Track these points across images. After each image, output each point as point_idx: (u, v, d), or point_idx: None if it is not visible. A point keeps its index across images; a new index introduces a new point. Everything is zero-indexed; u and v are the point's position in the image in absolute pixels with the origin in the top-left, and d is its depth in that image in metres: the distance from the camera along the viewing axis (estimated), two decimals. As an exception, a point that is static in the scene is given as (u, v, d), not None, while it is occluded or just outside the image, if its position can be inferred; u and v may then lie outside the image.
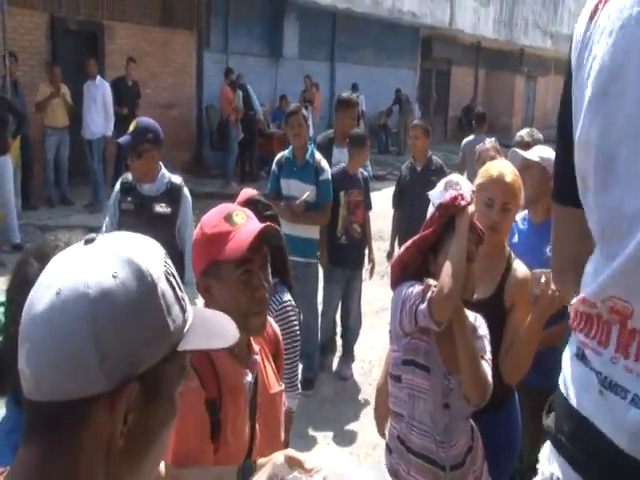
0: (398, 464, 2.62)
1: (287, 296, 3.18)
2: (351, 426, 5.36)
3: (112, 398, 0.91)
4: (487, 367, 2.55)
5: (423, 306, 2.49)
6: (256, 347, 2.02)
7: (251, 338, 2.00)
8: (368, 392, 5.75)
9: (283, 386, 2.18)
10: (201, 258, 1.92)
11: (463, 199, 2.55)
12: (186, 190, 4.57)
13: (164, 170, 4.54)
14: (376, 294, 7.27)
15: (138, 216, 4.35)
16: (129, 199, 4.46)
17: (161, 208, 4.44)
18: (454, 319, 2.52)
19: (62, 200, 11.34)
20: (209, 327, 1.04)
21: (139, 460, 0.97)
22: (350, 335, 6.21)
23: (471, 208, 2.57)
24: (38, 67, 11.54)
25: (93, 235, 0.99)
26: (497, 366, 2.73)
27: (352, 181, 5.89)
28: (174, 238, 4.42)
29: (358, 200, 5.90)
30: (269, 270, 1.97)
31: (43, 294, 0.92)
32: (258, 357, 2.01)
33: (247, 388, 1.96)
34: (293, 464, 1.47)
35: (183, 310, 1.00)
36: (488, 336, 2.65)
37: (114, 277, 0.92)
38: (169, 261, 1.02)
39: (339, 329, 6.36)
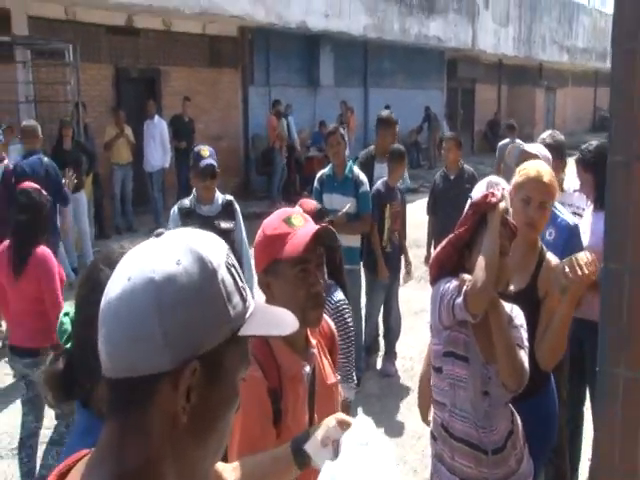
0: (442, 450, 2.56)
1: (340, 295, 3.18)
2: (395, 419, 5.29)
3: (175, 376, 0.91)
4: (524, 355, 2.47)
5: (459, 300, 2.43)
6: (313, 341, 2.03)
7: (309, 333, 2.01)
8: (410, 387, 5.69)
9: (339, 378, 2.16)
10: (262, 257, 1.95)
11: (494, 196, 2.49)
12: (237, 205, 4.69)
13: (218, 192, 4.71)
14: (414, 296, 7.21)
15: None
16: (190, 221, 4.53)
17: (225, 224, 4.60)
18: (490, 310, 2.45)
19: (128, 228, 11.58)
20: (269, 318, 1.03)
21: (204, 438, 0.96)
22: (392, 335, 6.19)
23: (502, 205, 2.49)
24: (105, 113, 11.97)
25: (162, 230, 1.01)
26: (533, 353, 2.65)
27: (393, 194, 5.90)
28: (235, 252, 4.48)
29: (398, 211, 5.92)
30: (325, 270, 1.95)
31: (117, 282, 0.94)
32: (315, 350, 2.02)
33: (305, 379, 1.98)
34: (344, 425, 1.45)
35: (243, 299, 0.98)
36: (525, 325, 2.56)
37: (177, 264, 0.92)
38: (231, 255, 1.01)
39: (381, 330, 6.31)
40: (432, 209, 6.63)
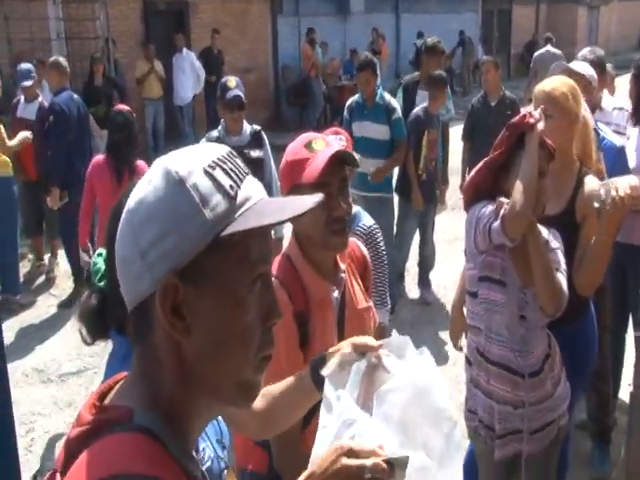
0: (478, 375, 2.55)
1: (370, 220, 3.13)
2: (429, 346, 5.26)
3: (159, 297, 0.88)
4: (562, 279, 2.43)
5: (496, 224, 2.38)
6: (342, 266, 2.01)
7: (338, 258, 1.99)
8: (443, 314, 5.70)
9: (371, 303, 2.13)
10: (284, 184, 1.94)
11: (532, 117, 2.40)
12: (265, 135, 4.75)
13: (246, 123, 4.72)
14: (448, 225, 7.13)
15: None
16: None
17: (255, 153, 4.61)
18: (527, 234, 2.40)
19: (161, 162, 11.60)
20: (269, 208, 0.94)
21: (214, 355, 0.91)
22: (426, 263, 6.16)
23: (540, 125, 2.40)
24: (135, 48, 11.83)
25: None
26: (572, 278, 2.60)
27: (432, 121, 5.77)
28: (264, 181, 4.53)
29: (435, 139, 5.80)
30: (349, 194, 1.94)
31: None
32: (344, 275, 1.99)
33: (334, 303, 1.97)
34: (359, 349, 1.40)
35: (230, 197, 0.90)
36: (562, 248, 2.50)
37: (149, 183, 0.92)
38: (228, 156, 0.94)
39: (416, 259, 6.28)
40: (468, 135, 6.42)
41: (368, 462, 0.99)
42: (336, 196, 1.85)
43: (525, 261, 2.43)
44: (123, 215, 0.93)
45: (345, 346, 1.45)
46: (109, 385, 0.99)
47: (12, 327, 6.02)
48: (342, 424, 1.11)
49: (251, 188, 0.95)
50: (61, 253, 6.82)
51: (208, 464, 1.47)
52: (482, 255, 2.50)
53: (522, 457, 2.50)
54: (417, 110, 5.73)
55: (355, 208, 2.96)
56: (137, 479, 0.82)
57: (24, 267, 7.31)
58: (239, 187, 0.92)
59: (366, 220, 3.10)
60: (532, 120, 2.39)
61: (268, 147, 4.76)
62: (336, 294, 1.96)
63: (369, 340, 1.42)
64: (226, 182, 0.91)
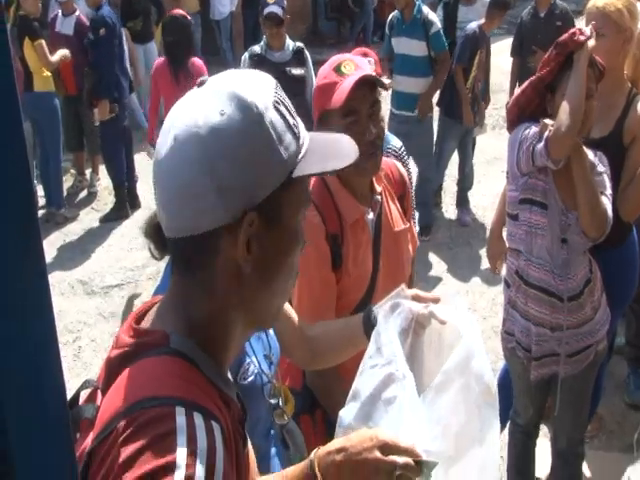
0: (517, 297, 2.53)
1: (399, 143, 3.06)
2: (466, 267, 5.29)
3: (233, 229, 0.89)
4: (606, 202, 2.36)
5: (540, 145, 2.30)
6: (378, 188, 1.97)
7: (374, 180, 1.96)
8: (482, 236, 5.64)
9: (409, 225, 2.10)
10: (315, 108, 1.90)
11: (582, 34, 2.27)
12: (307, 53, 4.61)
13: (288, 39, 4.62)
14: (488, 144, 6.96)
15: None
16: (262, 68, 4.50)
17: (297, 71, 4.56)
18: (572, 156, 2.32)
19: (199, 78, 11.44)
20: (325, 151, 0.98)
21: (269, 283, 0.96)
22: (465, 183, 6.03)
23: (590, 43, 2.28)
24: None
25: (205, 77, 0.94)
26: (616, 203, 2.53)
27: (484, 40, 5.56)
28: (306, 99, 4.47)
29: (482, 59, 5.58)
30: (382, 118, 1.90)
31: (165, 140, 0.91)
32: (380, 197, 1.97)
33: (369, 225, 1.95)
34: (415, 298, 1.38)
35: (296, 137, 0.93)
36: (609, 172, 2.42)
37: (221, 114, 0.88)
38: (280, 91, 0.95)
39: (455, 179, 6.17)
40: (517, 51, 6.05)
41: (400, 460, 1.01)
42: (365, 121, 1.82)
43: (569, 184, 2.37)
44: (186, 139, 0.88)
45: (403, 287, 1.43)
46: (145, 308, 1.01)
47: (56, 240, 6.16)
48: (388, 376, 1.14)
49: (302, 125, 0.97)
50: (103, 168, 6.87)
51: (251, 379, 1.50)
52: (524, 177, 2.43)
53: (558, 379, 2.50)
54: (473, 26, 5.47)
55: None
56: (172, 401, 0.83)
57: (66, 182, 7.39)
58: (298, 126, 0.94)
59: (395, 142, 3.02)
60: (582, 38, 2.26)
61: (310, 65, 4.65)
62: (371, 216, 1.94)
63: (427, 294, 1.42)
64: (291, 120, 0.93)
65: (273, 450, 1.60)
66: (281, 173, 0.90)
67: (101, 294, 5.26)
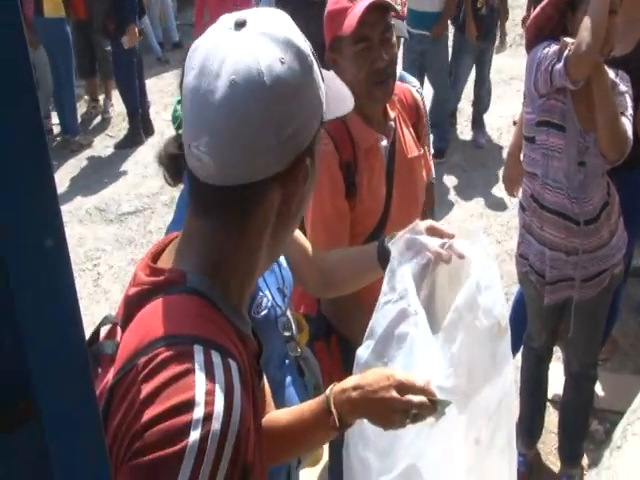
0: (531, 220, 2.48)
1: (417, 82, 2.88)
2: (481, 190, 5.22)
3: (285, 176, 0.90)
4: (627, 123, 2.27)
5: (560, 65, 2.21)
6: (392, 114, 1.93)
7: (387, 106, 1.92)
8: (497, 158, 5.54)
9: (423, 151, 2.05)
10: (327, 33, 1.87)
11: None
12: None
13: None
14: (506, 63, 6.75)
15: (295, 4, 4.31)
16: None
17: None
18: (593, 76, 2.22)
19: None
20: (334, 91, 0.99)
21: (294, 221, 0.99)
22: (482, 105, 5.89)
23: None
24: None
25: (243, 17, 0.89)
26: (636, 124, 2.44)
27: None
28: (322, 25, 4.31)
29: None
30: (394, 43, 1.83)
31: (215, 83, 0.86)
32: (393, 123, 1.93)
33: (383, 152, 1.92)
34: (430, 232, 1.36)
35: (322, 80, 0.94)
36: (630, 92, 2.33)
37: (282, 62, 0.86)
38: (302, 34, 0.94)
39: (470, 99, 6.02)
40: None
41: (416, 399, 1.04)
42: (377, 47, 1.77)
43: (588, 105, 2.28)
44: (250, 88, 0.84)
45: (419, 223, 1.40)
46: (162, 245, 1.01)
47: (72, 167, 6.15)
48: (401, 312, 1.13)
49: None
50: (116, 94, 6.78)
51: (264, 312, 1.49)
52: (542, 99, 2.35)
53: (572, 303, 2.48)
54: None
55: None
56: (191, 339, 0.84)
57: (80, 108, 7.32)
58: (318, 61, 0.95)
59: (412, 79, 2.84)
60: None
61: None
62: (385, 143, 1.91)
63: (443, 227, 1.39)
64: (318, 63, 0.94)
65: (288, 379, 1.61)
66: (320, 115, 0.93)
67: (117, 221, 5.28)
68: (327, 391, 1.11)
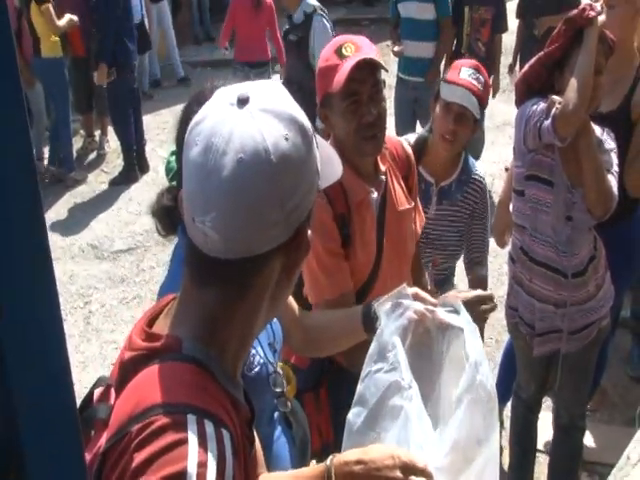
0: (521, 273, 2.52)
1: (482, 168, 2.78)
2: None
3: (288, 245, 0.93)
4: (613, 180, 2.33)
5: (547, 122, 2.27)
6: (383, 167, 1.97)
7: (378, 159, 1.96)
8: (490, 204, 5.57)
9: (413, 204, 2.09)
10: (318, 90, 1.90)
11: (592, 9, 2.21)
12: (318, 17, 4.51)
13: (306, 1, 4.67)
14: (497, 109, 6.85)
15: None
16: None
17: (293, 36, 4.58)
18: (580, 134, 2.28)
19: (207, 37, 11.26)
20: (325, 158, 1.02)
21: (289, 288, 1.01)
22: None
23: (601, 18, 2.22)
24: None
25: (245, 94, 0.91)
26: (622, 179, 2.50)
27: None
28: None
29: (485, 18, 5.36)
30: (383, 98, 1.88)
31: (221, 161, 0.87)
32: (384, 177, 1.97)
33: (374, 205, 1.95)
34: (417, 298, 1.39)
35: (316, 148, 0.97)
36: (616, 150, 2.39)
37: (286, 139, 0.89)
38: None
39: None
40: (522, 12, 5.83)
41: None
42: (366, 103, 1.82)
43: (575, 161, 2.34)
44: (256, 165, 0.87)
45: (406, 287, 1.43)
46: (157, 309, 1.03)
47: (66, 202, 6.18)
48: (394, 384, 1.15)
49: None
50: (112, 130, 6.84)
51: (257, 369, 1.51)
52: (531, 153, 2.41)
53: (560, 355, 2.51)
54: None
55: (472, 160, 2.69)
56: (185, 409, 0.86)
57: (76, 143, 7.38)
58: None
59: (478, 167, 2.74)
60: (592, 13, 2.21)
61: (318, 30, 4.55)
62: (375, 196, 1.94)
63: (428, 295, 1.43)
64: (314, 134, 0.97)
65: (277, 432, 1.62)
66: (317, 185, 0.97)
67: (110, 259, 5.30)
68: (327, 462, 1.12)
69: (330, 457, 1.12)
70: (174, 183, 1.51)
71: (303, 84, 4.50)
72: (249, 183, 0.86)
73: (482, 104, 2.41)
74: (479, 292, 1.58)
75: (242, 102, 0.90)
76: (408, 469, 1.06)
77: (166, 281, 1.60)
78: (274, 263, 0.93)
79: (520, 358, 2.69)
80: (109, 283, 4.98)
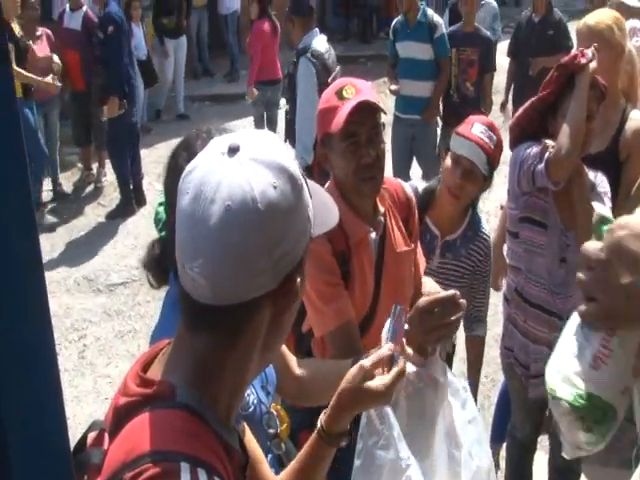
0: (516, 314, 2.54)
1: (488, 226, 2.71)
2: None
3: (276, 293, 0.92)
4: None
5: (541, 166, 2.31)
6: (382, 208, 1.99)
7: (377, 200, 1.98)
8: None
9: (413, 247, 2.10)
10: (318, 131, 1.94)
11: (583, 56, 2.27)
12: (306, 57, 4.57)
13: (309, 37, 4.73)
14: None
15: None
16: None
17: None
18: (573, 177, 2.32)
19: (205, 72, 11.40)
20: (321, 204, 1.03)
21: (285, 329, 1.02)
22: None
23: (592, 65, 2.28)
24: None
25: (235, 143, 0.92)
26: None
27: (466, 39, 5.47)
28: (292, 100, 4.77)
29: (472, 59, 5.49)
30: (381, 140, 1.92)
31: (210, 209, 0.88)
32: (383, 218, 1.99)
33: (372, 245, 1.97)
34: (407, 357, 1.37)
35: (309, 195, 0.97)
36: (609, 193, 2.43)
37: (274, 187, 0.89)
38: (292, 151, 1.00)
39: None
40: (513, 52, 6.08)
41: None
42: (365, 144, 1.85)
43: (568, 204, 2.37)
44: (243, 213, 0.87)
45: (389, 346, 1.42)
46: (152, 354, 1.03)
47: (63, 235, 6.19)
48: (392, 465, 1.16)
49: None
50: (109, 164, 6.89)
51: (250, 410, 1.52)
52: (525, 196, 2.44)
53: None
54: (451, 28, 5.50)
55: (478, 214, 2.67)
56: (178, 457, 0.86)
57: (73, 176, 7.43)
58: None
59: (485, 225, 2.68)
60: (583, 60, 2.27)
61: (300, 72, 4.54)
62: (373, 236, 1.96)
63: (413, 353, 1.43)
64: (307, 182, 0.97)
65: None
66: (310, 233, 0.96)
67: (106, 292, 5.29)
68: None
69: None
70: (163, 234, 1.52)
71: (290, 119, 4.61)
72: (236, 231, 0.87)
73: (492, 164, 2.39)
74: (439, 296, 1.50)
75: (232, 151, 0.91)
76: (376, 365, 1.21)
77: (157, 327, 1.60)
78: (263, 310, 0.94)
79: (515, 399, 2.69)
80: (104, 317, 4.97)
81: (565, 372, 1.06)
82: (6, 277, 0.68)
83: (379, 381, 1.23)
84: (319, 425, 1.26)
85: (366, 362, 1.25)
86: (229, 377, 0.96)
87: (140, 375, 0.97)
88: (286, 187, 0.90)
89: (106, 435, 0.98)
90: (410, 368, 1.31)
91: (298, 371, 1.66)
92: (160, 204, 1.60)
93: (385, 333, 1.30)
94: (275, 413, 1.62)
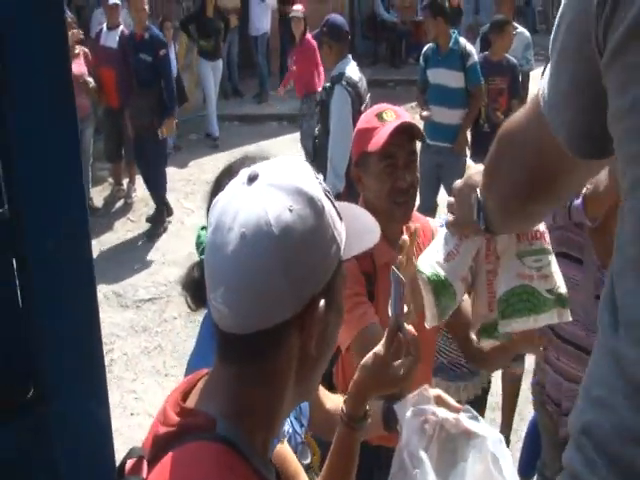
0: (548, 350, 2.49)
1: None
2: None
3: (302, 318, 0.91)
4: None
5: (578, 202, 2.28)
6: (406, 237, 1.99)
7: (404, 229, 1.98)
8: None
9: None
10: (355, 150, 1.99)
11: None
12: (340, 85, 4.57)
13: (342, 64, 4.77)
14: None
15: None
16: None
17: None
18: (610, 214, 2.29)
19: (234, 92, 11.52)
20: (356, 225, 1.01)
21: (324, 360, 1.00)
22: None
23: None
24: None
25: (255, 171, 0.93)
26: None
27: (494, 68, 5.49)
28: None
29: (501, 88, 5.52)
30: (417, 168, 1.95)
31: (227, 237, 0.89)
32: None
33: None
34: (439, 402, 1.33)
35: (340, 218, 0.96)
36: None
37: (290, 210, 0.88)
38: (319, 175, 0.98)
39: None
40: None
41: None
42: (402, 168, 1.88)
43: (605, 240, 2.33)
44: (259, 238, 0.87)
45: (427, 388, 1.41)
46: (192, 383, 1.03)
47: (92, 250, 6.24)
48: None
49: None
50: (139, 179, 6.96)
51: (286, 439, 1.51)
52: (559, 230, 2.41)
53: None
54: (478, 57, 5.49)
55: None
56: None
57: (104, 191, 7.52)
58: (336, 205, 0.97)
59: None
60: None
61: (335, 99, 4.56)
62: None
63: (450, 399, 1.38)
64: (334, 203, 0.96)
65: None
66: (337, 257, 0.94)
67: (134, 307, 5.33)
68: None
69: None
70: (203, 257, 1.55)
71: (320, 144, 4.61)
72: (251, 257, 0.87)
73: None
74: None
75: (251, 180, 0.92)
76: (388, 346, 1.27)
77: (195, 349, 1.61)
78: (290, 338, 0.92)
79: (545, 436, 2.63)
80: (131, 332, 5.00)
81: (431, 259, 1.48)
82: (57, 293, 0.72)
83: (394, 368, 1.28)
84: (341, 412, 1.32)
85: (380, 349, 1.30)
86: (262, 411, 0.96)
87: (180, 404, 0.97)
88: (304, 210, 0.89)
89: (145, 463, 0.98)
90: (443, 414, 1.28)
91: (327, 405, 1.64)
92: (202, 228, 1.60)
93: (390, 304, 1.34)
94: (307, 442, 1.61)
